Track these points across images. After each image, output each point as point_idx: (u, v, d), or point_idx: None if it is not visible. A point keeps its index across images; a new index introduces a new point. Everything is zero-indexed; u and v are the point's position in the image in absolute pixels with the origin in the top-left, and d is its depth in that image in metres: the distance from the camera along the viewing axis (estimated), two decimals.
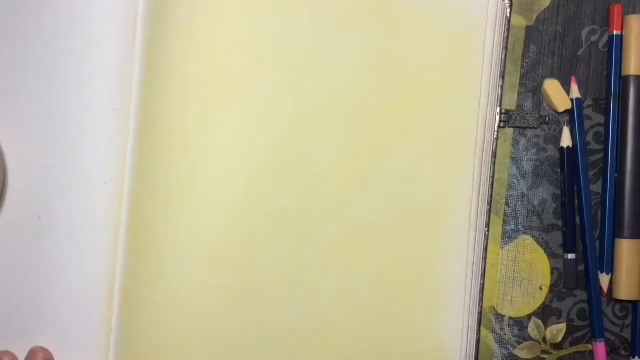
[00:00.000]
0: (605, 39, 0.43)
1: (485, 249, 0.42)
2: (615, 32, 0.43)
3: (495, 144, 0.42)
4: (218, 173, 0.41)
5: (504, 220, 0.43)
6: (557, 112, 0.43)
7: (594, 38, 0.44)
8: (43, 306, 0.41)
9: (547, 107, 0.43)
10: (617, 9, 0.43)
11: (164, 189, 0.41)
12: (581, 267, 0.43)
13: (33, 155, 0.41)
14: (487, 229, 0.42)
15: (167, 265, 0.41)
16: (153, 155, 0.41)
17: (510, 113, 0.42)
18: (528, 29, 0.43)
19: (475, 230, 0.41)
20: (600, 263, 0.43)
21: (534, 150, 0.44)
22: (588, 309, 0.43)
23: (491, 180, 0.42)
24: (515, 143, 0.44)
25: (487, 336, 0.43)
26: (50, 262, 0.41)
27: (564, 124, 0.43)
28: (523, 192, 0.44)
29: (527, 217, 0.44)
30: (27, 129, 0.41)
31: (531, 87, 0.43)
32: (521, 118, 0.42)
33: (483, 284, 0.42)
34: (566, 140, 0.43)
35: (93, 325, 0.41)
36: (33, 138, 0.41)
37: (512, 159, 0.44)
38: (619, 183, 0.42)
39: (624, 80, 0.42)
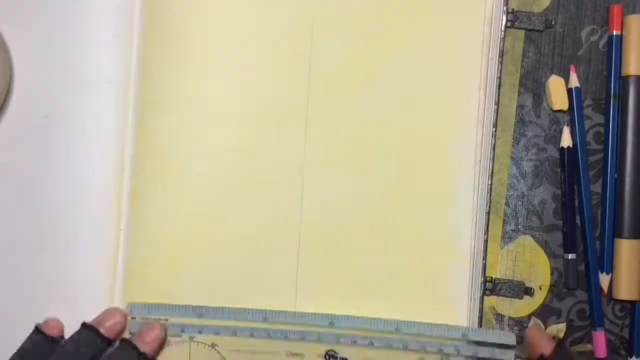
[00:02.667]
0: (605, 39, 0.43)
1: (493, 149, 0.42)
2: (615, 32, 0.43)
3: (502, 43, 0.42)
4: (225, 67, 0.42)
5: (503, 220, 0.44)
6: (551, 109, 0.43)
7: (594, 38, 0.44)
8: (50, 207, 0.41)
9: (546, 107, 0.43)
10: (617, 9, 0.43)
11: (171, 87, 0.41)
12: (581, 267, 0.43)
13: (39, 54, 0.41)
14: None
15: (176, 163, 0.41)
16: (158, 54, 0.41)
17: (517, 13, 0.43)
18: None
19: (483, 127, 0.42)
20: (600, 263, 0.43)
21: (534, 150, 0.44)
22: (588, 309, 0.43)
23: (498, 80, 0.42)
24: (515, 143, 0.44)
25: None
26: (56, 162, 0.41)
27: (564, 124, 0.43)
28: (523, 192, 0.44)
29: (527, 217, 0.44)
30: (32, 27, 0.41)
31: (531, 87, 0.43)
32: (527, 19, 0.42)
33: (490, 185, 0.42)
34: (566, 140, 0.43)
35: (102, 225, 0.41)
36: (39, 37, 0.41)
37: (512, 158, 0.44)
38: (619, 183, 0.42)
39: (623, 80, 0.42)
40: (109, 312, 0.40)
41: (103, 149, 0.41)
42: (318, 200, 0.42)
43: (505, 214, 0.44)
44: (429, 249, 0.42)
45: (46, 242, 0.41)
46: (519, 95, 0.43)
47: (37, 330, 0.39)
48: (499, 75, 0.42)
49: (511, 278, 0.43)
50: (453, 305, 0.42)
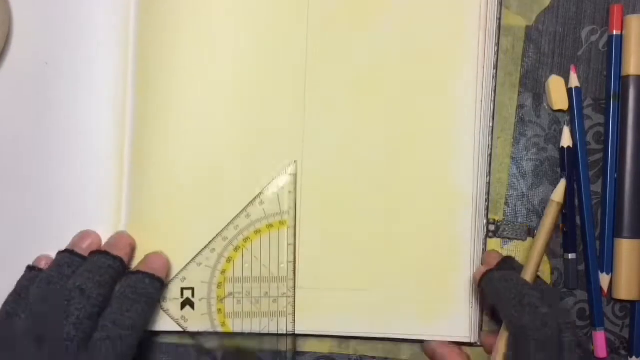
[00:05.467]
0: (605, 38, 0.43)
1: (494, 90, 0.42)
2: (615, 32, 0.43)
3: None
4: (225, 16, 0.42)
5: (503, 220, 0.43)
6: (552, 109, 0.43)
7: (594, 38, 0.44)
8: (49, 156, 0.41)
9: (547, 106, 0.43)
10: (617, 9, 0.43)
11: (170, 36, 0.41)
12: (581, 267, 0.43)
13: (38, 1, 0.41)
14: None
15: (177, 112, 0.42)
16: (157, 2, 0.41)
17: None
18: (528, 29, 0.43)
19: (484, 67, 0.42)
20: (600, 263, 0.43)
21: (534, 150, 0.44)
22: (588, 309, 0.43)
23: (498, 21, 0.42)
24: (516, 143, 0.44)
25: None
26: (57, 110, 0.41)
27: (564, 124, 0.43)
28: (523, 192, 0.44)
29: (527, 217, 0.43)
30: None
31: (531, 87, 0.43)
32: None
33: (492, 126, 0.42)
34: (566, 140, 0.43)
35: (103, 182, 0.41)
36: None
37: (512, 158, 0.44)
38: (619, 183, 0.42)
39: (623, 80, 0.42)
40: (83, 234, 0.40)
41: (103, 97, 0.41)
42: (318, 149, 0.42)
43: (505, 214, 0.44)
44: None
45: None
46: (519, 95, 0.43)
47: (30, 267, 0.40)
48: (498, 16, 0.42)
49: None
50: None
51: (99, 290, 0.36)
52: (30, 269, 0.39)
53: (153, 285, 0.38)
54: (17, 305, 0.37)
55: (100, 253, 0.38)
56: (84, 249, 0.39)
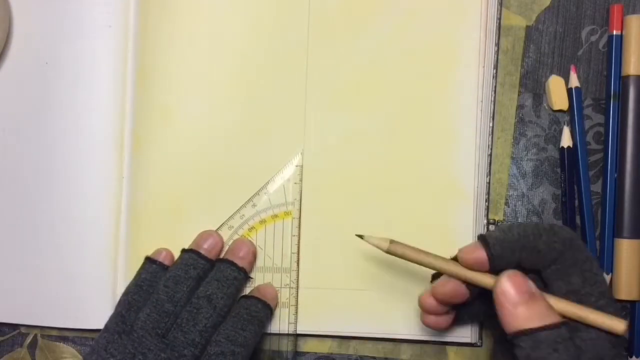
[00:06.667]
0: (605, 38, 0.43)
1: (494, 90, 0.42)
2: (615, 32, 0.43)
3: None
4: (225, 8, 0.42)
5: (503, 220, 0.43)
6: (552, 109, 0.43)
7: (593, 38, 0.44)
8: (51, 154, 0.41)
9: (546, 107, 0.44)
10: (617, 9, 0.43)
11: (170, 31, 0.42)
12: None
13: (37, 1, 0.41)
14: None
15: (176, 109, 0.42)
16: None
17: None
18: (528, 28, 0.43)
19: (484, 67, 0.42)
20: (600, 263, 0.43)
21: (534, 150, 0.44)
22: None
23: (498, 21, 0.42)
24: (516, 143, 0.44)
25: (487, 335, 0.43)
26: (58, 108, 0.41)
27: (564, 124, 0.43)
28: (523, 192, 0.44)
29: (527, 217, 0.43)
30: None
31: (531, 87, 0.43)
32: None
33: (492, 126, 0.42)
34: (566, 140, 0.43)
35: (104, 173, 0.41)
36: None
37: (512, 158, 0.44)
38: (619, 183, 0.42)
39: (623, 80, 0.42)
40: (204, 234, 0.41)
41: (104, 94, 0.41)
42: (319, 144, 0.42)
43: (505, 214, 0.44)
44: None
45: (45, 190, 0.41)
46: (519, 95, 0.44)
47: (151, 260, 0.40)
48: (498, 16, 0.42)
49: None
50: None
51: (225, 301, 0.38)
52: (151, 261, 0.40)
53: (264, 312, 0.39)
54: (140, 297, 0.38)
55: (226, 262, 0.39)
56: (205, 249, 0.40)
